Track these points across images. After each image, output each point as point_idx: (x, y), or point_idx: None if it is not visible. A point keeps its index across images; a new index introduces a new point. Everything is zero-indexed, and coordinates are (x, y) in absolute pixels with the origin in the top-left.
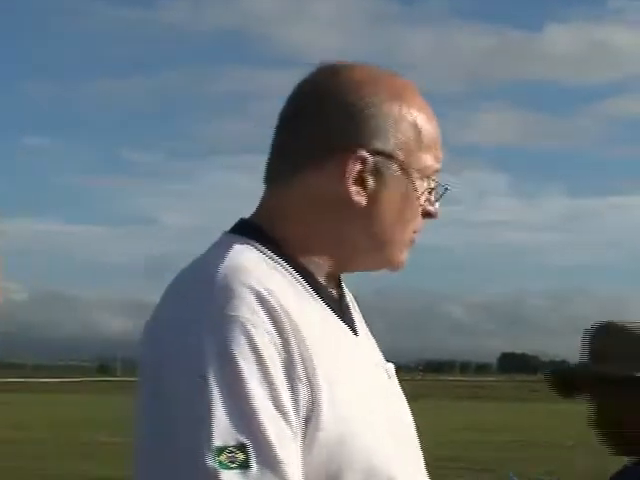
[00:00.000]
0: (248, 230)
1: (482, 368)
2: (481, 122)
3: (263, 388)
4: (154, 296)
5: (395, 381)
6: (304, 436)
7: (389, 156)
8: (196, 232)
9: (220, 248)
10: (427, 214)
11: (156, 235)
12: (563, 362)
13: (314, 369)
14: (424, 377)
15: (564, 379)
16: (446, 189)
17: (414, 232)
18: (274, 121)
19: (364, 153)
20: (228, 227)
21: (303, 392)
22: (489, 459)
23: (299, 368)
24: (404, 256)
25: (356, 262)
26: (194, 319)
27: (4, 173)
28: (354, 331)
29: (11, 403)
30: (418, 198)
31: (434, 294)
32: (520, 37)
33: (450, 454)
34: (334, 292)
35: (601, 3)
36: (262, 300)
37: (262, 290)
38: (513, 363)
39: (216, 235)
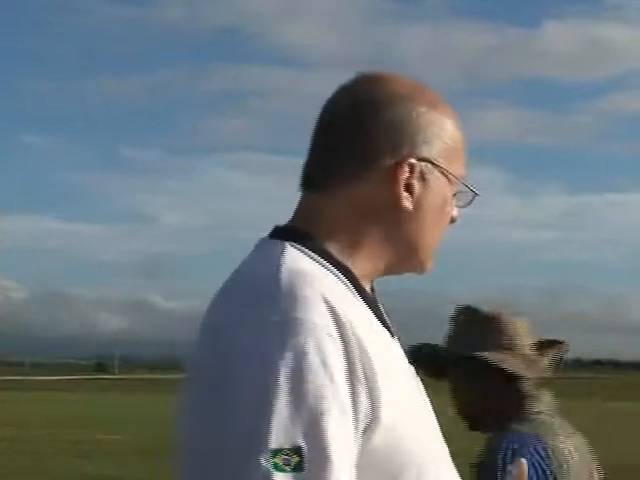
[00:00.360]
0: (292, 235)
1: None
2: (478, 120)
3: (325, 392)
4: (152, 295)
5: (420, 383)
6: (363, 439)
7: (433, 162)
8: (195, 230)
9: (272, 252)
10: (451, 220)
11: (154, 233)
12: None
13: (374, 373)
14: (421, 376)
15: (428, 362)
16: (475, 194)
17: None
18: (271, 119)
19: (413, 160)
20: (226, 225)
21: (363, 396)
22: None
23: (360, 372)
24: (431, 260)
25: (395, 267)
26: (261, 323)
27: (3, 171)
28: (391, 333)
29: (9, 401)
30: (451, 204)
31: (430, 293)
32: (518, 35)
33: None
34: (373, 295)
35: (599, 0)
36: (327, 303)
37: (325, 293)
38: None
39: (214, 233)
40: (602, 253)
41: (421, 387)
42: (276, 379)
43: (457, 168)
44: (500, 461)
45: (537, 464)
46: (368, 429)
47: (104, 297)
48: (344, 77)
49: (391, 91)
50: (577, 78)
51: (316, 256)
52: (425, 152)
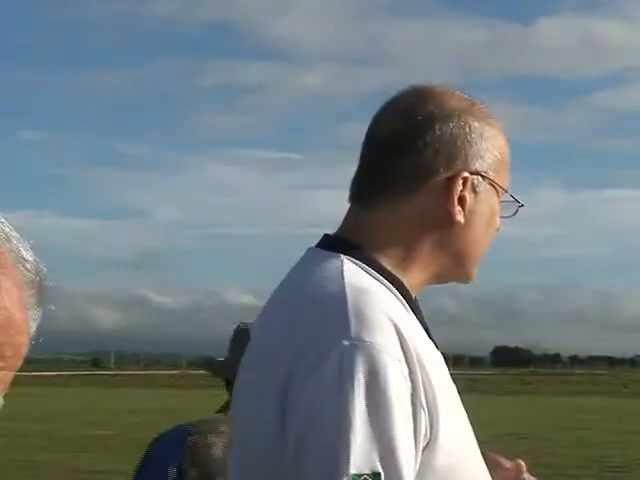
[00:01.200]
0: (345, 248)
1: (475, 361)
2: None
3: (397, 417)
4: (147, 290)
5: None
6: (423, 460)
7: (483, 176)
8: (188, 226)
9: (330, 266)
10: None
11: (147, 228)
12: (556, 355)
13: (434, 395)
14: None
15: (218, 374)
16: (521, 205)
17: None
18: (265, 114)
19: (466, 174)
20: (220, 220)
21: (424, 420)
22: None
23: (422, 395)
24: (476, 269)
25: (444, 278)
26: (329, 343)
27: None
28: (436, 345)
29: (4, 396)
30: (499, 216)
31: (429, 288)
32: (512, 30)
33: None
34: (419, 306)
35: None
36: (392, 324)
37: (390, 313)
38: (506, 356)
39: (208, 229)
40: (599, 249)
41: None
42: (351, 405)
43: (504, 179)
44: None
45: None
46: (426, 449)
47: (99, 292)
48: (337, 72)
49: (444, 106)
50: (572, 74)
51: (371, 270)
52: (478, 165)
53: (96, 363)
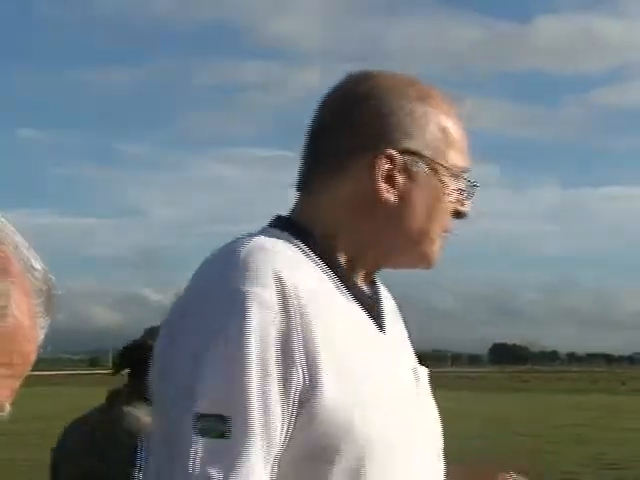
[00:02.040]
0: (285, 224)
1: (474, 359)
2: (470, 113)
3: (257, 365)
4: (145, 288)
5: (424, 384)
6: (299, 417)
7: (417, 154)
8: (187, 224)
9: (252, 233)
10: (457, 214)
11: (146, 227)
12: (553, 352)
13: (317, 353)
14: None
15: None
16: (474, 186)
17: (445, 232)
18: (263, 113)
19: (392, 152)
20: (219, 218)
21: (298, 375)
22: (477, 451)
23: (297, 350)
24: (437, 254)
25: (391, 260)
26: (207, 287)
27: None
28: (382, 329)
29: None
30: (447, 196)
31: (426, 285)
32: (510, 27)
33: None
34: (367, 290)
35: None
36: (277, 280)
37: (279, 270)
38: (504, 354)
39: (207, 227)
40: (597, 246)
41: (419, 391)
42: (211, 345)
43: (454, 160)
44: None
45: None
46: (305, 407)
47: (97, 291)
48: (334, 70)
49: (373, 86)
50: (570, 71)
51: (300, 243)
52: (408, 144)
53: (94, 362)
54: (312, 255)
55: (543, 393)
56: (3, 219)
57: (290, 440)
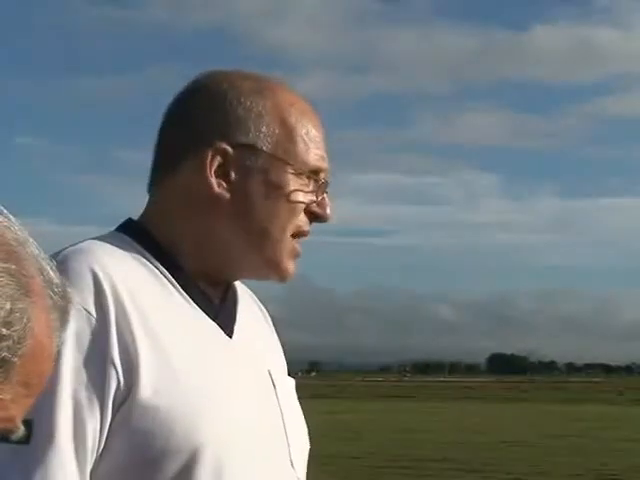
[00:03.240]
0: (128, 228)
1: (471, 369)
2: (468, 122)
3: (70, 369)
4: None
5: (282, 391)
6: (117, 417)
7: (253, 149)
8: None
9: (95, 237)
10: (313, 215)
11: None
12: (552, 363)
13: (136, 355)
14: (412, 378)
15: None
16: (324, 184)
17: (296, 235)
18: None
19: (224, 146)
20: None
21: (115, 377)
22: (475, 460)
23: (115, 353)
24: (286, 262)
25: (235, 264)
26: None
27: None
28: (229, 333)
29: None
30: (292, 194)
31: (425, 295)
32: (507, 37)
33: (437, 455)
34: (212, 294)
35: (587, 2)
36: (94, 281)
37: (98, 271)
38: (502, 364)
39: None
40: (595, 257)
41: (272, 397)
42: None
43: (300, 157)
44: None
45: None
46: (122, 407)
47: None
48: (332, 78)
49: (209, 81)
50: (566, 81)
51: (139, 247)
52: (242, 138)
53: None
54: (152, 258)
55: (541, 403)
56: (23, 230)
57: (110, 446)
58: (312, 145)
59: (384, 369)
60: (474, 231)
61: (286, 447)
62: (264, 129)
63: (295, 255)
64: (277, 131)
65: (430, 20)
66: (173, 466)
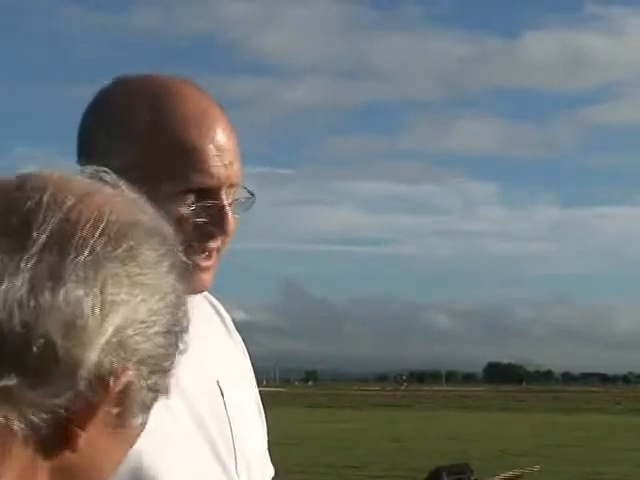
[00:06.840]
0: None
1: (468, 378)
2: (458, 130)
3: None
4: None
5: (231, 400)
6: None
7: (124, 169)
8: None
9: None
10: (201, 231)
11: None
12: (549, 372)
13: None
14: (408, 387)
15: None
16: (214, 206)
17: (192, 247)
18: (250, 129)
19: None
20: None
21: None
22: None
23: None
24: (205, 275)
25: None
26: None
27: None
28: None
29: None
30: (174, 206)
31: (422, 304)
32: (498, 44)
33: (433, 464)
34: None
35: (577, 9)
36: None
37: None
38: (499, 373)
39: None
40: (592, 265)
41: (220, 406)
42: None
43: (177, 173)
44: None
45: None
46: None
47: None
48: (323, 86)
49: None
50: (558, 88)
51: None
52: (115, 159)
53: None
54: None
55: (538, 412)
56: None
57: None
58: (196, 161)
59: (381, 378)
60: (470, 240)
61: (232, 456)
62: (138, 144)
63: (204, 269)
64: (151, 146)
65: (420, 26)
66: None
